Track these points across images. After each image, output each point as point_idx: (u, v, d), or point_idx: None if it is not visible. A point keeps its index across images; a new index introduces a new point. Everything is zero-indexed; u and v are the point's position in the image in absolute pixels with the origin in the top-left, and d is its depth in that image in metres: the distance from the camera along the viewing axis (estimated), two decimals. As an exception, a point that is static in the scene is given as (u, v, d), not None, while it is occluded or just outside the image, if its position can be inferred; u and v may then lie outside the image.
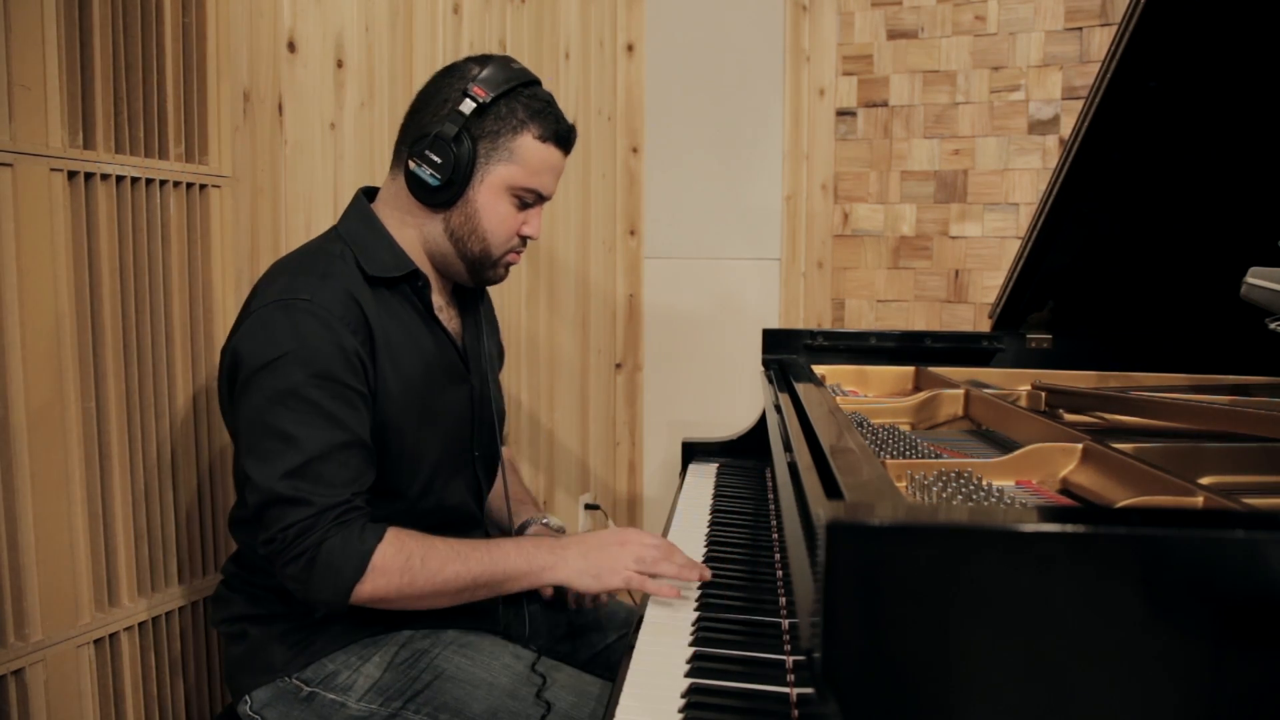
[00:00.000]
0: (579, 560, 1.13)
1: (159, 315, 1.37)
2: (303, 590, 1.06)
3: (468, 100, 1.16)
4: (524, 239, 1.25)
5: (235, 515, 1.25)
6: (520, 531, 1.41)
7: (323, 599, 1.05)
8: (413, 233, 1.22)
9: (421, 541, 1.09)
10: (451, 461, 1.28)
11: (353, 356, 1.11)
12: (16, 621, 1.18)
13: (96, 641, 1.29)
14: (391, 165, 1.24)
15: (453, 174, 1.16)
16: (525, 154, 1.18)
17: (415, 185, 1.18)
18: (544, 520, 1.43)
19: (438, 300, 1.27)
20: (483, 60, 1.20)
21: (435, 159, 1.16)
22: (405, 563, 1.07)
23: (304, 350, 1.07)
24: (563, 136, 1.21)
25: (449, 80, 1.20)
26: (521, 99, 1.18)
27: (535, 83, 1.21)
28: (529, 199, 1.22)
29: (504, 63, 1.20)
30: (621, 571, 1.12)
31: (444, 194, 1.18)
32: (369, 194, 1.27)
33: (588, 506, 2.62)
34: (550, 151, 1.20)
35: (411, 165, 1.17)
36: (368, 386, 1.13)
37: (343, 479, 1.07)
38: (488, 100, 1.16)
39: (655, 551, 1.14)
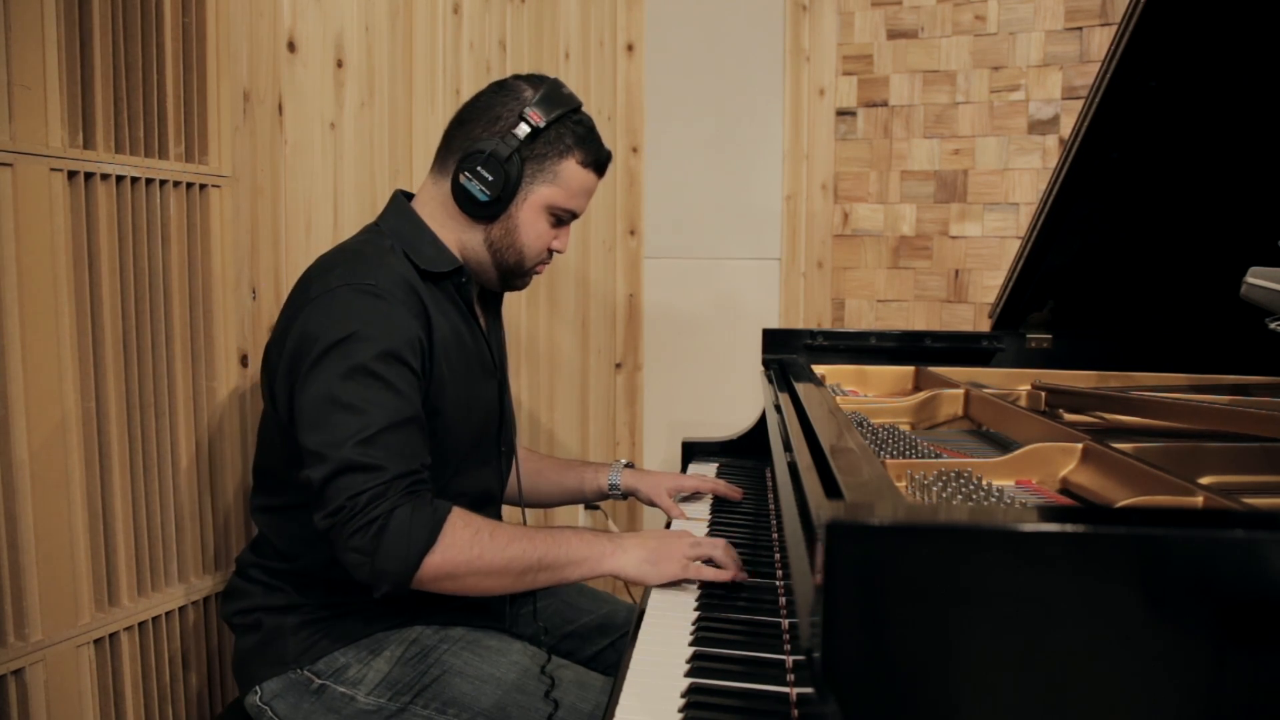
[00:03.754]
0: (637, 549, 1.16)
1: (159, 315, 1.37)
2: (368, 563, 1.03)
3: (523, 124, 1.22)
4: (551, 252, 1.32)
5: (259, 503, 1.28)
6: (613, 487, 1.54)
7: (391, 569, 1.04)
8: (451, 237, 1.28)
9: (487, 520, 1.12)
10: (482, 451, 1.34)
11: (415, 341, 1.15)
12: (16, 621, 1.18)
13: (96, 641, 1.29)
14: (434, 170, 1.29)
15: (501, 191, 1.22)
16: (567, 177, 1.25)
17: (462, 197, 1.24)
18: (624, 463, 1.58)
19: None
20: (535, 82, 1.26)
21: (487, 176, 1.22)
22: (474, 536, 1.08)
23: (373, 330, 1.11)
24: (602, 163, 1.29)
25: (502, 98, 1.25)
26: (570, 124, 1.25)
27: (580, 107, 1.28)
28: (564, 217, 1.30)
29: (556, 86, 1.26)
30: (679, 559, 1.15)
31: (490, 209, 1.24)
32: (406, 196, 1.32)
33: (588, 507, 2.62)
34: (589, 176, 1.28)
35: (462, 179, 1.23)
36: (424, 372, 1.17)
37: (410, 450, 1.09)
38: (542, 125, 1.22)
39: (708, 539, 1.19)
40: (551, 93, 1.24)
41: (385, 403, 1.08)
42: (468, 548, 1.07)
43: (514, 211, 1.25)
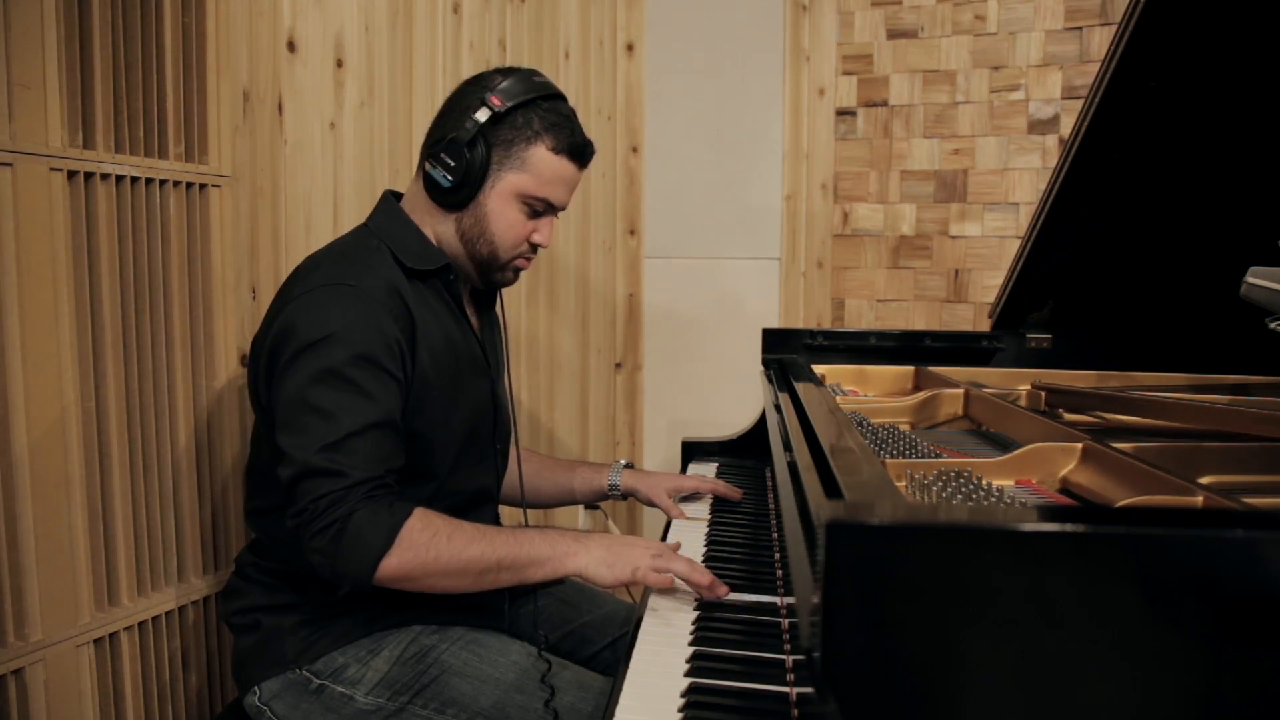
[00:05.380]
0: (599, 550, 1.15)
1: (159, 315, 1.37)
2: (329, 564, 1.06)
3: (484, 108, 1.21)
4: (534, 246, 1.29)
5: (252, 505, 1.28)
6: (612, 487, 1.54)
7: (349, 571, 1.06)
8: (429, 230, 1.27)
9: (448, 521, 1.11)
10: (476, 448, 1.33)
11: (394, 344, 1.15)
12: (16, 621, 1.18)
13: (96, 641, 1.29)
14: (417, 168, 1.30)
15: (465, 177, 1.21)
16: (537, 164, 1.23)
17: (430, 185, 1.24)
18: (623, 463, 1.57)
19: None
20: (507, 72, 1.25)
21: (449, 161, 1.21)
22: (431, 538, 1.08)
23: (348, 332, 1.11)
24: (577, 150, 1.25)
25: (472, 88, 1.25)
26: (539, 111, 1.22)
27: (556, 97, 1.26)
28: (539, 207, 1.27)
29: (526, 75, 1.25)
30: (633, 562, 1.13)
31: (456, 195, 1.23)
32: (395, 196, 1.32)
33: (587, 507, 2.62)
34: (562, 163, 1.24)
35: (428, 166, 1.23)
36: (404, 374, 1.17)
37: (377, 456, 1.09)
38: (503, 110, 1.21)
39: (673, 554, 1.16)
40: (520, 80, 1.23)
41: (354, 407, 1.09)
42: (424, 550, 1.07)
43: (482, 199, 1.24)
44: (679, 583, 1.13)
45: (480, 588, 1.13)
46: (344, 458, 1.07)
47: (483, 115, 1.20)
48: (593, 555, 1.14)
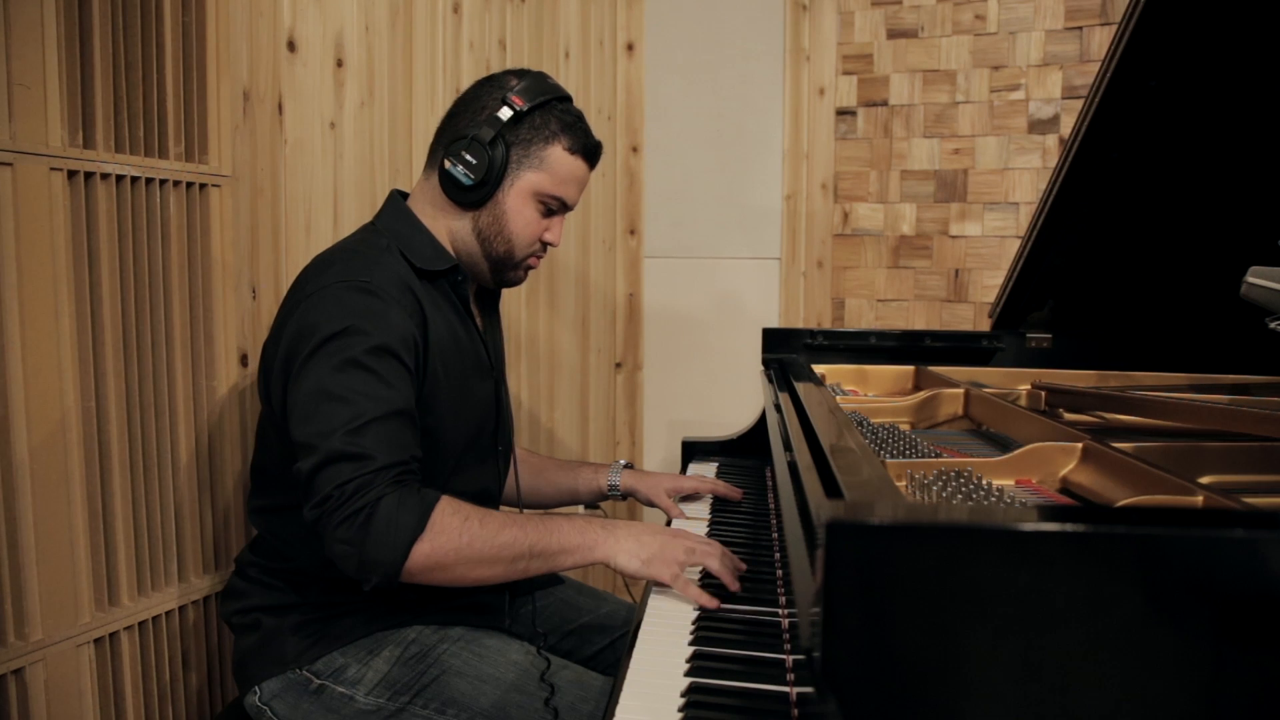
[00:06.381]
0: (629, 541, 1.12)
1: (159, 315, 1.37)
2: (357, 553, 1.01)
3: (505, 108, 1.22)
4: (544, 245, 1.31)
5: (257, 504, 1.28)
6: (612, 487, 1.56)
7: (380, 559, 1.00)
8: (442, 228, 1.28)
9: (475, 508, 1.09)
10: (479, 450, 1.33)
11: (409, 339, 1.15)
12: (16, 621, 1.18)
13: (96, 641, 1.29)
14: (425, 166, 1.31)
15: (485, 175, 1.22)
16: (554, 163, 1.25)
17: (448, 183, 1.24)
18: (623, 464, 1.58)
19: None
20: (521, 73, 1.27)
21: (470, 159, 1.22)
22: (464, 523, 1.05)
23: (367, 324, 1.11)
24: (590, 150, 1.28)
25: (488, 89, 1.26)
26: (555, 112, 1.25)
27: (568, 99, 1.28)
28: (554, 206, 1.29)
29: (541, 77, 1.27)
30: (672, 564, 1.11)
31: (475, 193, 1.24)
32: (402, 196, 1.33)
33: (587, 507, 2.62)
34: (577, 163, 1.27)
35: (447, 164, 1.23)
36: (417, 368, 1.17)
37: (400, 442, 1.08)
38: (524, 109, 1.22)
39: (706, 546, 1.15)
40: (537, 80, 1.25)
41: (376, 394, 1.08)
42: (457, 535, 1.04)
43: (501, 198, 1.25)
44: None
45: (510, 577, 1.09)
46: (368, 441, 1.04)
47: (504, 114, 1.22)
48: (622, 545, 1.12)
